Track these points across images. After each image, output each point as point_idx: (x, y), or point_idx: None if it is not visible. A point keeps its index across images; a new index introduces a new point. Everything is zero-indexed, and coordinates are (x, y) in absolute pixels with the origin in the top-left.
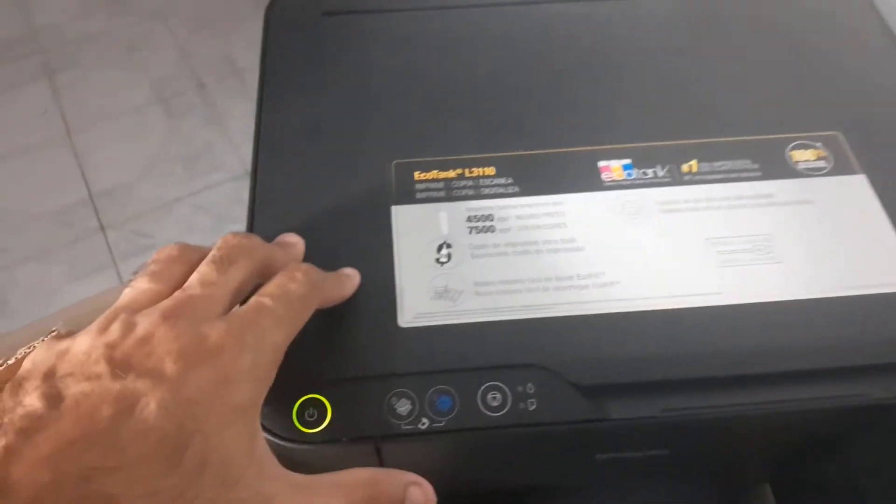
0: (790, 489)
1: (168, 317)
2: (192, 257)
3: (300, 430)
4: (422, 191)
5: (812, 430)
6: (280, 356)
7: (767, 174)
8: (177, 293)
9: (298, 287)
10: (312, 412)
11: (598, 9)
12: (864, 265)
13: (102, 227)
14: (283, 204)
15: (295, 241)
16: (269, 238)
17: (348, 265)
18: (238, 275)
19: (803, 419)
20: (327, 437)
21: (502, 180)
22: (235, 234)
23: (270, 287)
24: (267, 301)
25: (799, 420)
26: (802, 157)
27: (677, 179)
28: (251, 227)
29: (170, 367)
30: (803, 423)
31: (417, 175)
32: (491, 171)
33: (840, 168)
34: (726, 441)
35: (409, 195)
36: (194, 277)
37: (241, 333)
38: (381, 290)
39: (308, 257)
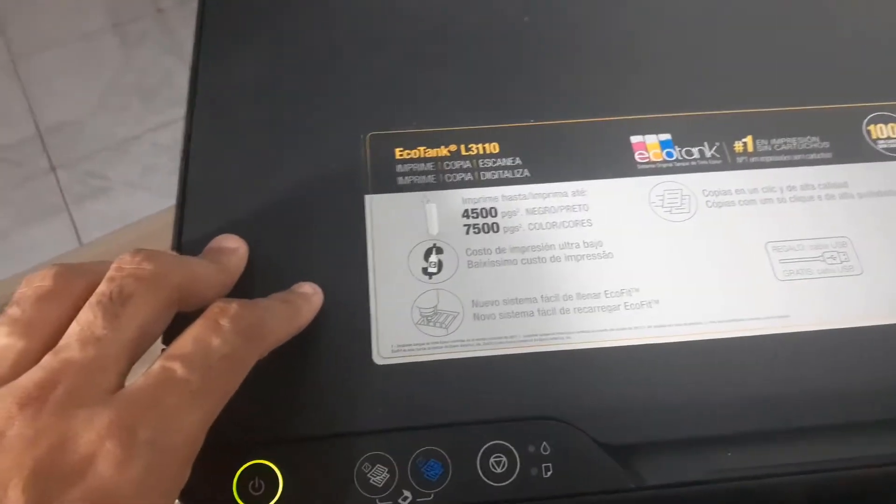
0: None
1: (26, 404)
2: (74, 289)
3: None
4: (405, 174)
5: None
6: (196, 448)
7: (841, 156)
8: (46, 358)
9: (223, 342)
10: (258, 484)
11: None
12: None
13: (53, 167)
14: (222, 192)
15: (234, 248)
16: (203, 240)
17: (306, 277)
18: (137, 319)
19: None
20: None
21: (509, 160)
22: (137, 252)
23: (182, 344)
24: (176, 368)
25: (883, 482)
26: (883, 133)
27: (729, 162)
28: (181, 223)
29: (14, 498)
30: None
31: (399, 152)
32: (494, 147)
33: None
34: None
35: (387, 180)
36: (73, 330)
37: (133, 426)
38: (350, 313)
39: (252, 268)
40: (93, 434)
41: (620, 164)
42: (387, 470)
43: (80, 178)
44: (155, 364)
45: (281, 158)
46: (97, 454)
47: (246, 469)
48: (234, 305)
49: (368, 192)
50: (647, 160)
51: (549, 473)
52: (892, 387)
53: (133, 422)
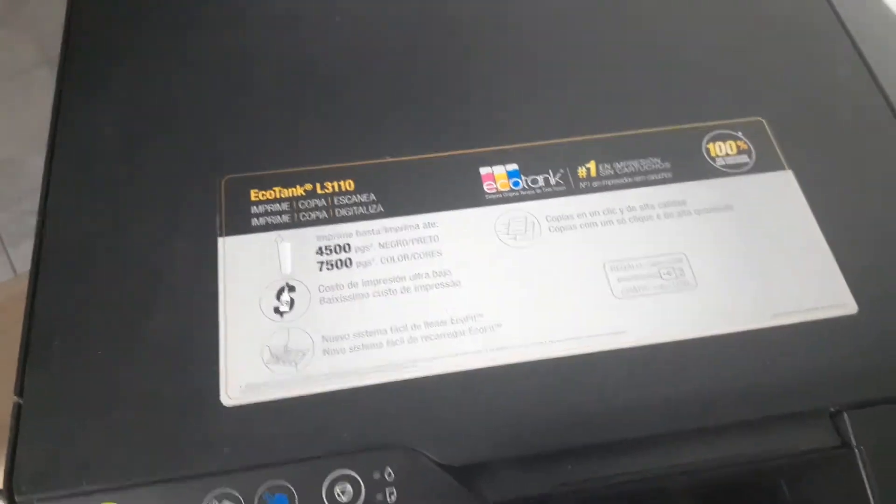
0: None
1: None
2: None
3: None
4: (260, 215)
5: (728, 487)
6: None
7: (680, 175)
8: None
9: None
10: None
11: None
12: (791, 286)
13: None
14: (79, 233)
15: None
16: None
17: (158, 322)
18: None
19: (720, 480)
20: None
21: (363, 197)
22: None
23: None
24: None
25: (716, 481)
26: (721, 150)
27: (573, 188)
28: (38, 262)
29: None
30: (719, 483)
31: (255, 194)
32: (349, 184)
33: (764, 163)
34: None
35: (242, 222)
36: None
37: None
38: (200, 354)
39: (106, 308)
40: None
41: (470, 195)
42: None
43: (17, 217)
44: None
45: (139, 201)
46: None
47: None
48: None
49: (222, 235)
50: (494, 190)
51: (394, 498)
52: (723, 392)
53: None
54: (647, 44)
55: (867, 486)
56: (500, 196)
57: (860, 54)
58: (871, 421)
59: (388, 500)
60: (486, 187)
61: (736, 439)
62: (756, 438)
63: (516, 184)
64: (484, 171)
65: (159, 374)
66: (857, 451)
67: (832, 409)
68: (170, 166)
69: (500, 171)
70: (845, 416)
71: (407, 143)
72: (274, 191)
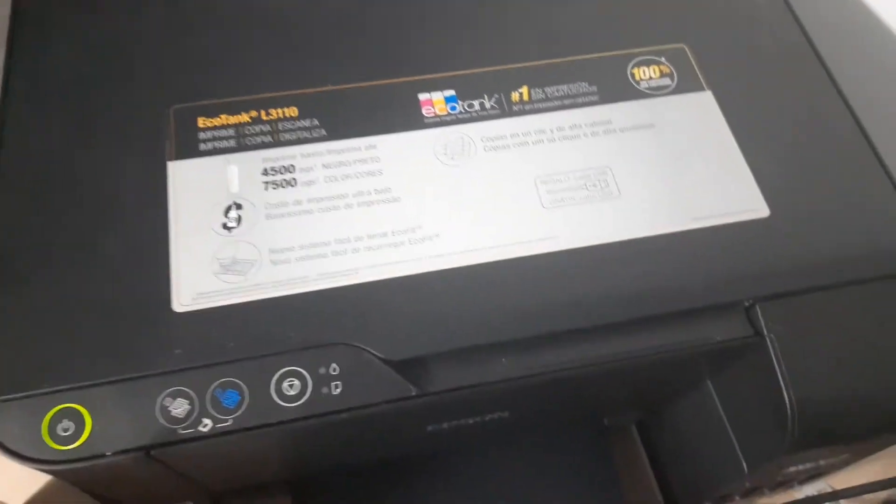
0: (654, 425)
1: None
2: None
3: (53, 448)
4: (207, 140)
5: (657, 378)
6: None
7: (606, 97)
8: None
9: None
10: (67, 425)
11: None
12: (709, 193)
13: None
14: (36, 162)
15: None
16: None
17: (110, 242)
18: None
19: (648, 370)
20: (87, 454)
21: (306, 122)
22: None
23: None
24: None
25: (644, 371)
26: (645, 74)
27: (507, 111)
28: None
29: None
30: (648, 374)
31: (202, 121)
32: (293, 111)
33: (685, 85)
34: (571, 397)
35: (190, 147)
36: None
37: None
38: (152, 267)
39: (63, 226)
40: None
41: (410, 119)
42: (187, 402)
43: None
44: None
45: (90, 131)
46: None
47: (55, 413)
48: None
49: (172, 159)
50: (433, 115)
51: (339, 390)
52: (645, 289)
53: None
54: None
55: (777, 371)
56: (439, 120)
57: None
58: (781, 311)
59: (334, 392)
60: (424, 112)
61: (660, 332)
62: (678, 330)
63: (453, 108)
64: (423, 96)
65: (114, 286)
66: (767, 339)
67: (746, 303)
68: (120, 99)
69: (437, 96)
70: (757, 307)
71: (349, 71)
72: (220, 118)
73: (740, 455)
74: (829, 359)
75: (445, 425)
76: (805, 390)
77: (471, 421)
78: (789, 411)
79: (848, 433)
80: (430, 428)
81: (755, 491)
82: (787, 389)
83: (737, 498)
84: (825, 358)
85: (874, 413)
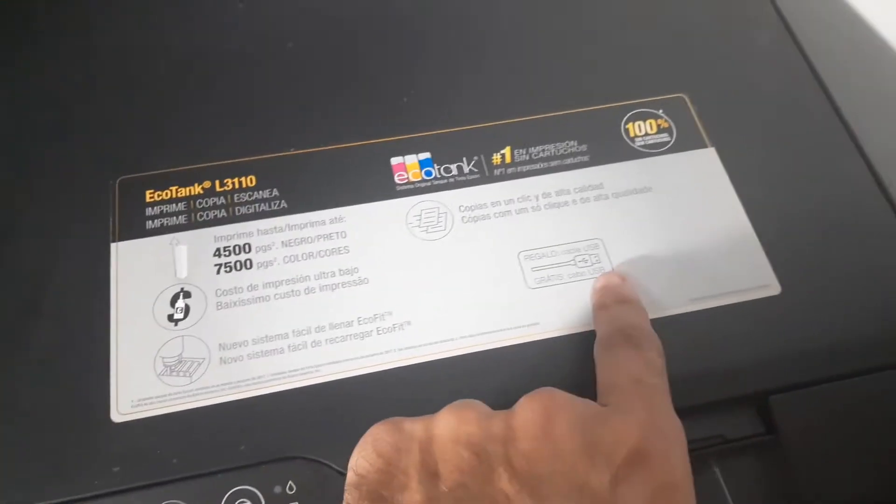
0: None
1: None
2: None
3: None
4: (155, 217)
5: None
6: None
7: (598, 157)
8: None
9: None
10: None
11: None
12: (713, 268)
13: None
14: None
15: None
16: None
17: (46, 334)
18: None
19: None
20: None
21: (265, 192)
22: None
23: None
24: None
25: None
26: (641, 130)
27: (487, 175)
28: None
29: None
30: None
31: (150, 195)
32: (250, 180)
33: (685, 141)
34: None
35: (136, 225)
36: None
37: None
38: (89, 368)
39: None
40: None
41: (380, 187)
42: None
43: None
44: None
45: (27, 212)
46: None
47: None
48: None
49: (115, 240)
50: (406, 181)
51: None
52: None
53: None
54: (564, 22)
55: (793, 470)
56: (412, 187)
57: (784, 22)
58: (794, 405)
59: None
60: (396, 178)
61: None
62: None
63: (428, 173)
64: (395, 160)
65: (46, 390)
66: (781, 436)
67: (756, 394)
68: (60, 168)
69: (411, 160)
70: (770, 401)
71: (313, 133)
72: (170, 190)
73: None
74: (846, 458)
75: None
76: (818, 494)
77: None
78: None
79: None
80: None
81: None
82: (800, 492)
83: None
84: (841, 457)
85: None
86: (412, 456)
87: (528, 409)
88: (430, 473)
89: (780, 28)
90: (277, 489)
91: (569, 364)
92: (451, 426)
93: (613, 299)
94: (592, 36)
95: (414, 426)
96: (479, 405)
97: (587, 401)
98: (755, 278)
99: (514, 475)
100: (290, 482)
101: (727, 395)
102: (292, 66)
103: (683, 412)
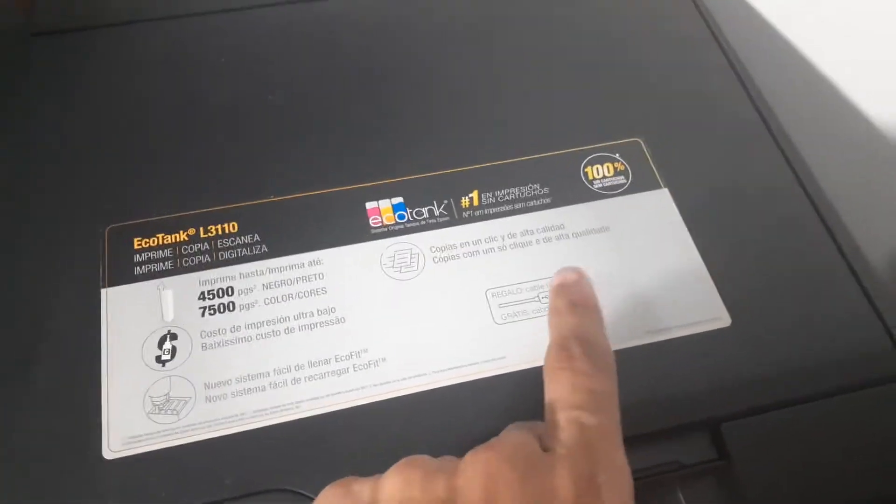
0: None
1: None
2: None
3: None
4: (143, 263)
5: None
6: None
7: (559, 200)
8: None
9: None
10: None
11: (356, 12)
12: (667, 302)
13: None
14: None
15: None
16: None
17: (37, 376)
18: None
19: None
20: None
21: (247, 238)
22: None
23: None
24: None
25: None
26: (599, 173)
27: (456, 218)
28: None
29: None
30: None
31: (138, 242)
32: (232, 226)
33: (641, 183)
34: None
35: (125, 271)
36: None
37: None
38: (82, 408)
39: None
40: None
41: (355, 230)
42: None
43: None
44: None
45: (17, 255)
46: None
47: None
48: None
49: (105, 286)
50: (380, 224)
51: None
52: None
53: None
54: (524, 72)
55: (743, 495)
56: (386, 230)
57: (732, 65)
58: (746, 431)
59: None
60: (371, 222)
61: None
62: (639, 455)
63: (401, 216)
64: (370, 205)
65: (41, 429)
66: (733, 461)
67: (709, 421)
68: (51, 217)
69: (385, 204)
70: (721, 429)
71: (291, 181)
72: (157, 237)
73: None
74: (794, 481)
75: None
76: None
77: None
78: None
79: None
80: None
81: None
82: None
83: None
84: (790, 480)
85: None
86: None
87: (470, 470)
88: None
89: (730, 73)
90: None
91: (534, 395)
92: (397, 489)
93: (566, 303)
94: (551, 85)
95: (362, 488)
96: (425, 463)
97: (529, 445)
98: (707, 311)
99: None
100: None
101: (682, 421)
102: (272, 117)
103: (642, 438)
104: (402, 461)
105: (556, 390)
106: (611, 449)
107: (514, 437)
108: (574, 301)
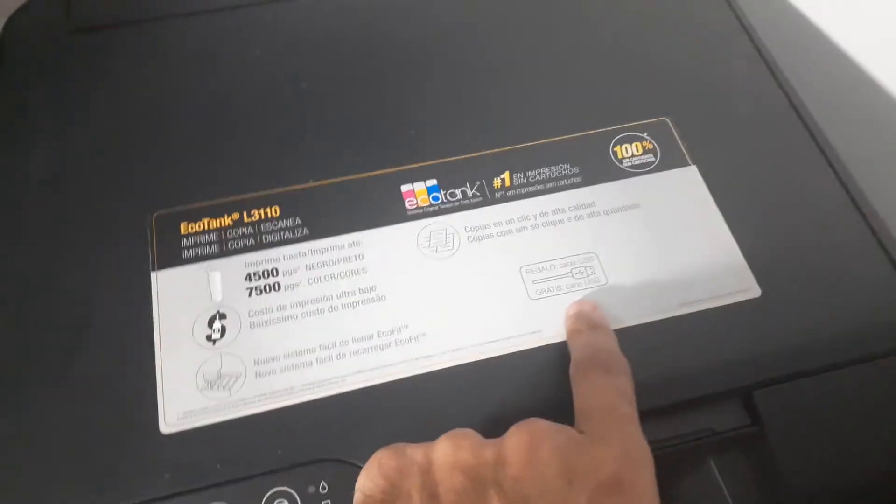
0: None
1: None
2: None
3: None
4: (190, 247)
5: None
6: None
7: (589, 178)
8: None
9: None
10: None
11: (387, 4)
12: (698, 275)
13: None
14: (14, 275)
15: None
16: None
17: (93, 358)
18: None
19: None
20: None
21: (289, 221)
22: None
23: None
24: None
25: None
26: (628, 152)
27: (489, 198)
28: None
29: None
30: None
31: (184, 227)
32: (275, 210)
33: (669, 161)
34: None
35: (173, 255)
36: None
37: None
38: (138, 386)
39: (44, 343)
40: None
41: (392, 212)
42: None
43: None
44: None
45: (71, 241)
46: None
47: None
48: None
49: (154, 269)
50: (415, 206)
51: None
52: (637, 382)
53: None
54: (554, 54)
55: (776, 460)
56: (421, 211)
57: (758, 48)
58: (778, 398)
59: None
60: (407, 204)
61: (654, 425)
62: (674, 423)
63: (436, 198)
64: (405, 188)
65: (101, 407)
66: (766, 428)
67: (742, 389)
68: (100, 205)
69: (420, 187)
70: (754, 395)
71: (329, 166)
72: (203, 222)
73: None
74: (829, 447)
75: None
76: (804, 480)
77: None
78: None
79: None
80: None
81: None
82: (786, 480)
83: None
84: (824, 446)
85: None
86: (413, 479)
87: (515, 438)
88: (430, 495)
89: (753, 53)
90: (311, 489)
91: (567, 367)
92: (448, 453)
93: (586, 324)
94: (580, 67)
95: (415, 452)
96: (473, 434)
97: (567, 428)
98: (737, 283)
99: (504, 496)
100: (322, 482)
101: (715, 390)
102: (308, 105)
103: (676, 407)
104: (452, 431)
105: (587, 388)
106: (638, 434)
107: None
108: (593, 324)
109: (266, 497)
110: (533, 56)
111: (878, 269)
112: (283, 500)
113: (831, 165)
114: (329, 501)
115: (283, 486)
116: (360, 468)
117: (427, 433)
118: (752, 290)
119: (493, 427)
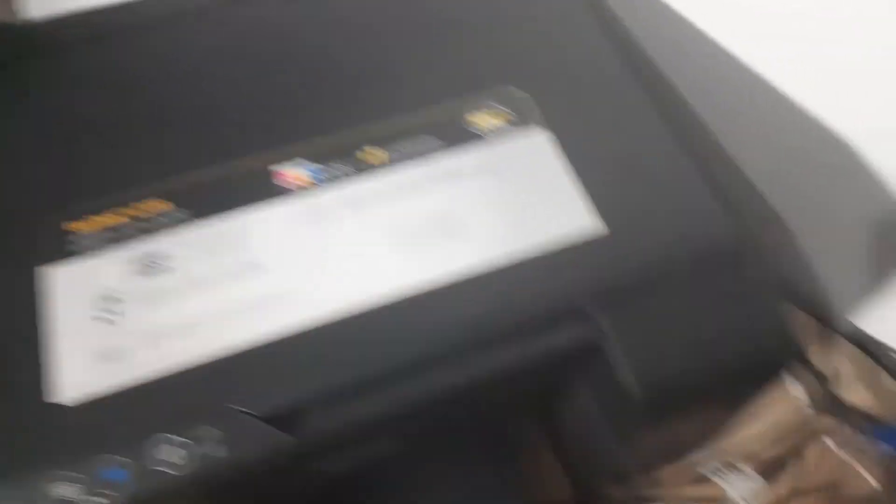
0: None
1: None
2: None
3: None
4: (78, 242)
5: (525, 387)
6: None
7: (447, 146)
8: None
9: None
10: None
11: None
12: (551, 223)
13: None
14: None
15: None
16: None
17: None
18: None
19: (511, 382)
20: None
21: (173, 210)
22: None
23: None
24: None
25: (508, 383)
26: (483, 120)
27: (360, 170)
28: None
29: None
30: (513, 385)
31: (71, 225)
32: (160, 203)
33: (521, 125)
34: (445, 417)
35: (61, 252)
36: None
37: None
38: (28, 362)
39: None
40: None
41: (269, 191)
42: (77, 487)
43: None
44: None
45: None
46: None
47: None
48: None
49: (41, 264)
50: (290, 183)
51: (224, 452)
52: (495, 313)
53: None
54: (404, 34)
55: (622, 360)
56: (297, 187)
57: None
58: (619, 310)
59: (217, 454)
60: (282, 183)
61: (512, 347)
62: (530, 343)
63: (309, 175)
64: (277, 168)
65: None
66: (608, 335)
67: (586, 308)
68: None
69: (291, 165)
70: (598, 311)
71: (205, 154)
72: (91, 219)
73: (613, 432)
74: (664, 342)
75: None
76: (648, 372)
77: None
78: (637, 389)
79: (687, 396)
80: (328, 469)
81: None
82: (632, 374)
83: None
84: (661, 342)
85: (706, 378)
86: None
87: None
88: None
89: (595, 21)
90: (204, 436)
91: (438, 308)
92: None
93: None
94: (430, 42)
95: None
96: None
97: None
98: (585, 224)
99: None
100: (214, 429)
101: (564, 309)
102: (168, 99)
103: (529, 330)
104: None
105: None
106: None
107: None
108: None
109: (159, 447)
110: (384, 37)
111: (696, 198)
112: (179, 448)
113: (665, 119)
114: (224, 445)
115: (175, 435)
116: (249, 413)
117: (308, 379)
118: (599, 228)
119: (362, 363)
